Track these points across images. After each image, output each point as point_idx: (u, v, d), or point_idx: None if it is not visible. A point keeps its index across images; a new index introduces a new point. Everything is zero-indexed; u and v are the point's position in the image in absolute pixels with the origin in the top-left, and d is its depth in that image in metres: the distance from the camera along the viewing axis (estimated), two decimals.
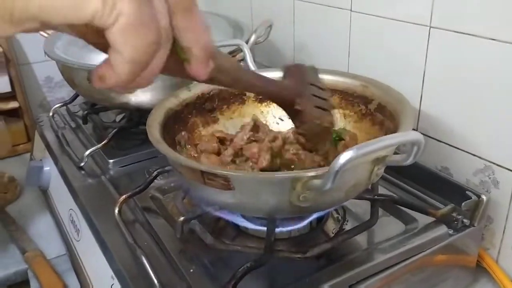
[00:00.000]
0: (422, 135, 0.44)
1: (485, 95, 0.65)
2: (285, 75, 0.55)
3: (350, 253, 0.57)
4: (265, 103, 0.76)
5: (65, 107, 1.02)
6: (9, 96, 1.12)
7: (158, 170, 0.70)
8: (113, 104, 0.86)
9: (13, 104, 1.12)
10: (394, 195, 0.68)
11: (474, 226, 0.63)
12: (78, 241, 0.72)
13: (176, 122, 0.65)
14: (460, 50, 0.67)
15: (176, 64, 0.33)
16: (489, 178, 0.69)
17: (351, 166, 0.43)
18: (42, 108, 1.32)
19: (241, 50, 0.79)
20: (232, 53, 0.84)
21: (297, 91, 0.52)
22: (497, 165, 0.67)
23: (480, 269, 0.70)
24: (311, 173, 0.46)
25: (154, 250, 0.60)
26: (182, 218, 0.58)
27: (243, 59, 0.80)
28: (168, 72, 0.34)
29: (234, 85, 0.44)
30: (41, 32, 0.96)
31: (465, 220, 0.62)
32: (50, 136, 0.94)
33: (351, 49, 0.87)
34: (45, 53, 0.84)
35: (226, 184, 0.48)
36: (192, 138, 0.68)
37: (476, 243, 0.66)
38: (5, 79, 1.10)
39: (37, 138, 1.00)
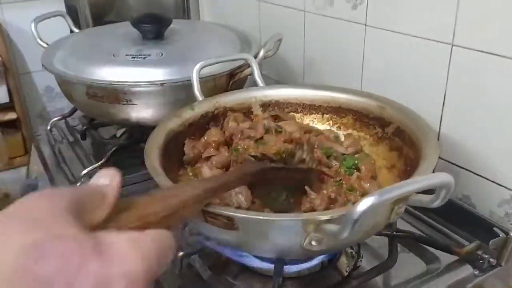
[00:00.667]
0: (452, 177, 0.39)
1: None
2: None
3: None
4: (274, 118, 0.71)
5: (64, 120, 0.97)
6: (7, 107, 1.09)
7: None
8: (113, 120, 0.82)
9: (11, 115, 1.09)
10: (415, 231, 0.62)
11: (501, 265, 0.57)
12: None
13: (178, 143, 0.61)
14: (484, 70, 0.61)
15: None
16: None
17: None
18: (42, 118, 1.28)
19: (249, 65, 0.74)
20: (240, 68, 0.80)
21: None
22: None
23: None
24: (325, 217, 0.40)
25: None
26: (181, 253, 0.53)
27: (251, 74, 0.75)
28: None
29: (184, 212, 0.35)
30: (40, 42, 0.92)
31: (491, 260, 0.57)
32: (47, 151, 0.90)
33: (365, 66, 0.82)
34: (43, 65, 0.80)
35: (230, 224, 0.43)
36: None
37: (504, 283, 0.60)
38: (3, 89, 1.06)
39: (33, 153, 0.95)
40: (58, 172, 0.82)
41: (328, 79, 0.91)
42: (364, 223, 0.40)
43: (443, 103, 0.69)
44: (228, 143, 0.60)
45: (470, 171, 0.68)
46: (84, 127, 0.89)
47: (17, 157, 1.11)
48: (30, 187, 0.83)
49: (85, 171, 0.76)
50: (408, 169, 0.56)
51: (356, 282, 0.50)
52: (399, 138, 0.59)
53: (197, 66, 0.67)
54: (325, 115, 0.69)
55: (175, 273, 0.54)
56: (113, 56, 0.79)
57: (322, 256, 0.53)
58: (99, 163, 0.77)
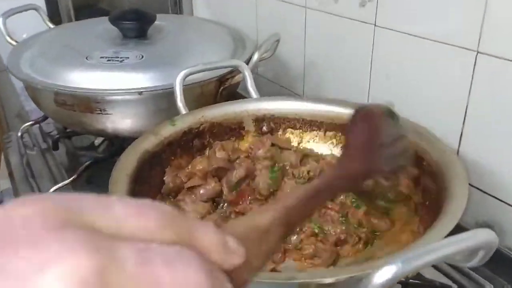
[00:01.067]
0: (495, 236, 0.30)
1: None
2: (351, 125, 0.41)
3: None
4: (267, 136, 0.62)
5: (37, 125, 0.88)
6: None
7: None
8: (87, 130, 0.72)
9: None
10: (439, 277, 0.53)
11: None
12: None
13: (154, 167, 0.51)
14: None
15: None
16: None
17: None
18: (20, 118, 1.18)
19: (241, 72, 0.65)
20: (231, 73, 0.70)
21: (361, 170, 0.38)
22: None
23: None
24: (328, 280, 0.31)
25: None
26: None
27: (243, 80, 0.66)
28: None
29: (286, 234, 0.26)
30: (9, 40, 0.83)
31: None
32: (15, 161, 0.81)
33: (373, 72, 0.72)
34: (7, 68, 0.70)
35: None
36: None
37: None
38: None
39: (3, 161, 0.86)
40: (25, 187, 0.73)
41: (331, 85, 0.82)
42: None
43: (464, 117, 0.60)
44: (215, 174, 0.51)
45: (495, 197, 0.59)
46: (57, 136, 0.80)
47: None
48: None
49: (53, 188, 0.67)
50: (427, 204, 0.47)
51: None
52: (415, 166, 0.50)
53: (181, 75, 0.57)
54: (327, 133, 0.60)
55: None
56: (86, 58, 0.69)
57: None
58: (70, 179, 0.68)
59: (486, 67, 0.56)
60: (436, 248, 0.29)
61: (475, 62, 0.57)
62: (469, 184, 0.60)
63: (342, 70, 0.79)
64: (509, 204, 0.57)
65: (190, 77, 0.61)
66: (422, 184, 0.49)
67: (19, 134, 0.86)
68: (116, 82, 0.64)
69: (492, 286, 0.52)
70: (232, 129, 0.60)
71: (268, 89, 0.97)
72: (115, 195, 0.42)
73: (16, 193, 0.73)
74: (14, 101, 1.17)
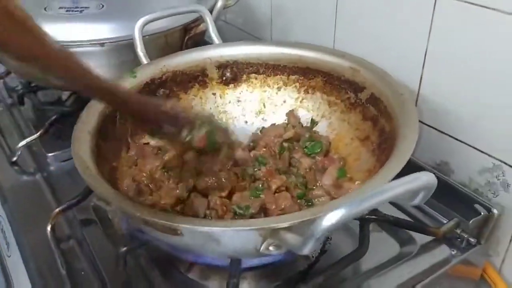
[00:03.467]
0: (435, 178, 0.32)
1: (500, 81, 0.53)
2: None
3: (330, 286, 0.46)
4: (232, 85, 0.63)
5: (1, 80, 0.86)
6: None
7: None
8: (50, 85, 0.71)
9: None
10: (390, 208, 0.56)
11: (481, 244, 0.53)
12: (9, 256, 0.60)
13: (116, 122, 0.52)
14: (472, 24, 0.54)
15: None
16: (498, 179, 0.58)
17: None
18: None
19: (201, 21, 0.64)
20: (196, 21, 0.69)
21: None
22: (509, 165, 0.56)
23: (481, 280, 0.60)
24: (283, 224, 0.34)
25: (91, 281, 0.48)
26: (124, 249, 0.46)
27: (206, 30, 0.65)
28: None
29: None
30: None
31: (471, 239, 0.52)
32: None
33: (339, 17, 0.72)
34: None
35: (173, 231, 0.36)
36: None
37: (482, 260, 0.56)
38: None
39: None
40: None
41: (297, 31, 0.81)
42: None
43: (424, 60, 0.62)
44: None
45: (451, 136, 0.62)
46: (21, 90, 0.78)
47: None
48: None
49: (20, 144, 0.67)
50: (383, 146, 0.49)
51: (322, 278, 0.44)
52: (373, 107, 0.52)
53: (139, 22, 0.57)
54: (291, 77, 0.61)
55: (119, 269, 0.47)
56: (45, 9, 0.67)
57: None
58: (37, 134, 0.68)
59: (445, 9, 0.56)
60: (381, 191, 0.31)
61: (434, 4, 0.58)
62: (428, 125, 0.63)
63: (309, 14, 0.79)
64: (462, 142, 0.60)
65: (154, 26, 0.60)
66: (380, 124, 0.51)
67: None
68: (76, 34, 0.63)
69: (445, 219, 0.55)
70: (195, 77, 0.60)
71: (236, 37, 0.96)
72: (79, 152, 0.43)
73: None
74: None
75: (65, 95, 0.83)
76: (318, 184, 0.50)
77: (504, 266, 0.60)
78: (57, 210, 0.54)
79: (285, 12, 0.84)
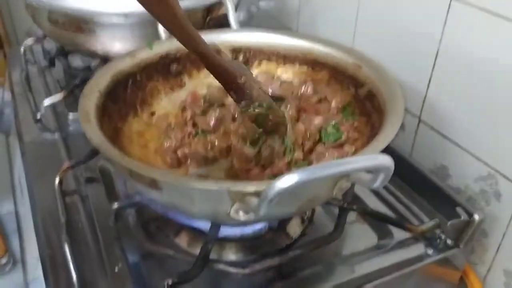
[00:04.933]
0: (391, 160, 0.34)
1: (503, 93, 0.53)
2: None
3: (304, 267, 0.49)
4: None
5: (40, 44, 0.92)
6: None
7: None
8: (80, 50, 0.76)
9: None
10: (374, 200, 0.58)
11: (459, 247, 0.54)
12: (23, 204, 0.66)
13: (128, 88, 0.56)
14: (482, 31, 0.54)
15: None
16: (491, 188, 0.58)
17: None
18: (29, 35, 1.22)
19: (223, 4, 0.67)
20: (219, 5, 0.72)
21: (241, 69, 0.49)
22: (503, 175, 0.56)
23: (462, 285, 0.61)
24: (249, 188, 0.36)
25: (86, 234, 0.53)
26: (116, 206, 0.50)
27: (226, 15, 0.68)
28: None
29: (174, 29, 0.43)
30: None
31: (449, 241, 0.53)
32: (16, 76, 0.86)
33: (360, 15, 0.74)
34: None
35: (153, 184, 0.39)
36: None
37: (460, 264, 0.57)
38: None
39: (8, 75, 0.92)
40: (23, 100, 0.78)
41: (323, 23, 0.83)
42: (295, 194, 0.36)
43: (434, 63, 0.62)
44: None
45: (451, 141, 0.62)
46: (54, 53, 0.84)
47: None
48: None
49: (46, 102, 0.73)
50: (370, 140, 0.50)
51: (292, 254, 0.47)
52: (370, 103, 0.53)
53: None
54: (300, 68, 0.63)
55: (110, 225, 0.52)
56: None
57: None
58: (61, 93, 0.73)
59: (458, 14, 0.57)
60: (337, 164, 0.33)
61: (448, 8, 0.59)
62: (431, 127, 0.64)
63: (333, 9, 0.80)
64: (462, 148, 0.61)
65: None
66: (372, 121, 0.52)
67: (22, 50, 0.90)
68: (103, 4, 0.67)
69: (428, 219, 0.56)
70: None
71: (266, 24, 0.98)
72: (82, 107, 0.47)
73: (15, 106, 0.79)
74: (25, 19, 1.20)
75: (94, 62, 0.88)
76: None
77: (489, 275, 0.61)
78: (65, 165, 0.59)
79: (312, 4, 0.86)
